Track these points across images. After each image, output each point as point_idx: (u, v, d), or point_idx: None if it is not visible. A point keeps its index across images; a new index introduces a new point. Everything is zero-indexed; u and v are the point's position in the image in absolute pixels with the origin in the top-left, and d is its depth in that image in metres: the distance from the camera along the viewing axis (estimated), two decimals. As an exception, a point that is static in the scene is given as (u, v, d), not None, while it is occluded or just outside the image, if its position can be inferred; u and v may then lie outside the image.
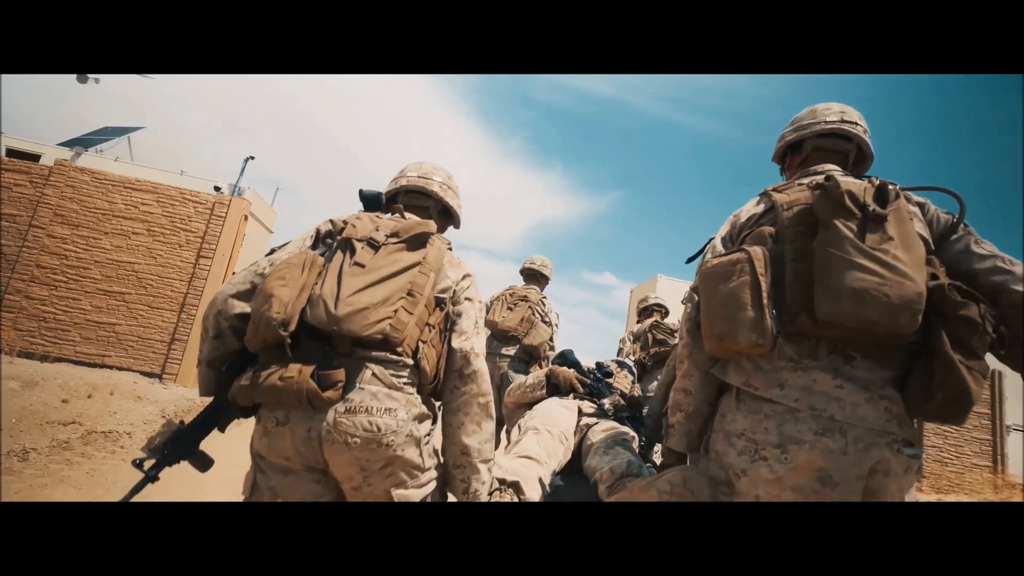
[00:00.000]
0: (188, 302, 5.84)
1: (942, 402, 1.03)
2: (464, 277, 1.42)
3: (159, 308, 5.78)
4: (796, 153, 1.46)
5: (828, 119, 1.40)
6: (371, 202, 1.51)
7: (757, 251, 1.18)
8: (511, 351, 3.52)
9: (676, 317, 3.18)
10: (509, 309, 3.56)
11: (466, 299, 1.40)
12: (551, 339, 3.53)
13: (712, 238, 1.43)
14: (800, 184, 1.30)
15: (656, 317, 3.94)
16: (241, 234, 6.14)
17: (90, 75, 14.39)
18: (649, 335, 3.67)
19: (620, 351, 4.05)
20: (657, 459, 2.05)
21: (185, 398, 5.21)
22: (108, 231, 5.77)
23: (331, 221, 1.41)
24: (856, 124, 1.38)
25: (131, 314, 5.70)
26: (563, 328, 2.88)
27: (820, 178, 1.26)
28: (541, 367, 3.37)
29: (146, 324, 5.72)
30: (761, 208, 1.33)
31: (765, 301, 1.13)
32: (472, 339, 1.37)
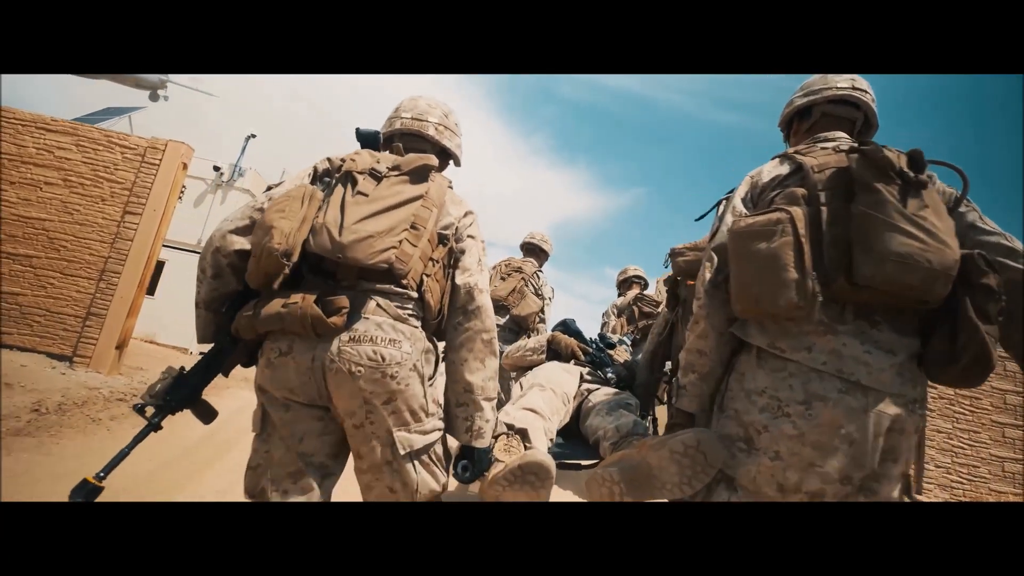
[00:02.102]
0: (109, 268, 4.69)
1: (967, 365, 1.07)
2: (466, 214, 1.40)
3: (74, 276, 4.66)
4: (804, 119, 1.47)
5: (840, 85, 1.40)
6: (368, 142, 1.49)
7: (798, 211, 1.15)
8: (501, 321, 3.34)
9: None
10: (502, 279, 3.49)
11: (469, 236, 1.38)
12: (542, 311, 3.43)
13: (724, 199, 1.42)
14: (823, 148, 1.30)
15: (637, 289, 3.81)
16: (178, 185, 4.96)
17: (160, 93, 14.34)
18: (635, 308, 3.56)
19: (604, 324, 3.89)
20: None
21: (86, 386, 4.04)
22: (14, 180, 4.68)
23: (328, 159, 1.38)
24: (866, 92, 1.39)
25: (39, 283, 4.59)
26: (585, 325, 2.93)
27: (835, 144, 1.30)
28: (528, 337, 3.10)
29: (57, 295, 4.60)
30: (786, 169, 1.30)
31: (808, 263, 1.11)
32: (476, 275, 1.34)
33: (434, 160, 1.35)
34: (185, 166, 5.00)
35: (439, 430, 1.28)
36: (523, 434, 1.57)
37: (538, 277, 3.58)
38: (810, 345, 1.14)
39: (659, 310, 3.54)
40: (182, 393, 1.25)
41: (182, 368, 1.29)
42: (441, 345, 1.38)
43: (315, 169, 1.37)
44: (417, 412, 1.21)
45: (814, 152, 1.28)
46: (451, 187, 1.45)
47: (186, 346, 11.55)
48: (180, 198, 5.07)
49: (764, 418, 1.15)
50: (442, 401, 1.34)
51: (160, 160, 4.88)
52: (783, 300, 1.09)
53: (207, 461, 3.49)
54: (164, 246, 12.09)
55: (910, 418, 1.10)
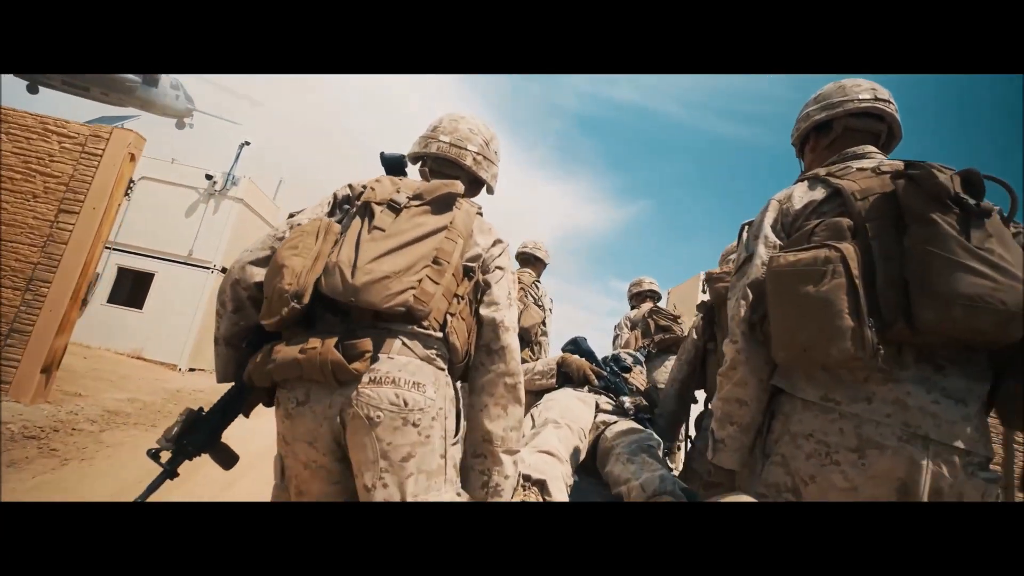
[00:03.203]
0: (38, 276, 3.97)
1: None
2: (495, 243, 1.30)
3: (-4, 285, 3.94)
4: (823, 134, 1.37)
5: (861, 96, 1.30)
6: (393, 167, 1.39)
7: (849, 248, 1.04)
8: None
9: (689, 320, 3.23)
10: None
11: (497, 268, 1.29)
12: (543, 323, 3.30)
13: (748, 223, 1.33)
14: (861, 169, 1.21)
15: (650, 303, 3.78)
16: (124, 179, 4.25)
17: (186, 121, 14.32)
18: (650, 321, 3.47)
19: (617, 338, 3.79)
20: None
21: (-10, 421, 3.28)
22: (-69, 175, 4.00)
23: (349, 186, 1.31)
24: (889, 102, 1.31)
25: (-46, 294, 3.88)
26: (593, 336, 2.68)
27: (874, 164, 1.21)
28: (533, 351, 3.16)
29: (-25, 308, 3.88)
30: (819, 194, 1.21)
31: (863, 308, 1.00)
32: (503, 310, 1.24)
33: (460, 187, 1.24)
34: (133, 157, 4.28)
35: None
36: (541, 486, 1.45)
37: (537, 287, 3.39)
38: (870, 395, 1.03)
39: (677, 326, 3.54)
40: (200, 437, 1.19)
41: (200, 409, 1.23)
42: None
43: (335, 197, 1.29)
44: (435, 474, 1.11)
45: (851, 175, 1.18)
46: (480, 214, 1.34)
47: (175, 362, 10.91)
48: (127, 195, 4.37)
49: (811, 466, 1.04)
50: (459, 464, 1.23)
51: (103, 151, 4.18)
52: (836, 351, 0.99)
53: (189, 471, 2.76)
54: (153, 257, 11.71)
55: (969, 481, 0.96)
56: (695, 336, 2.02)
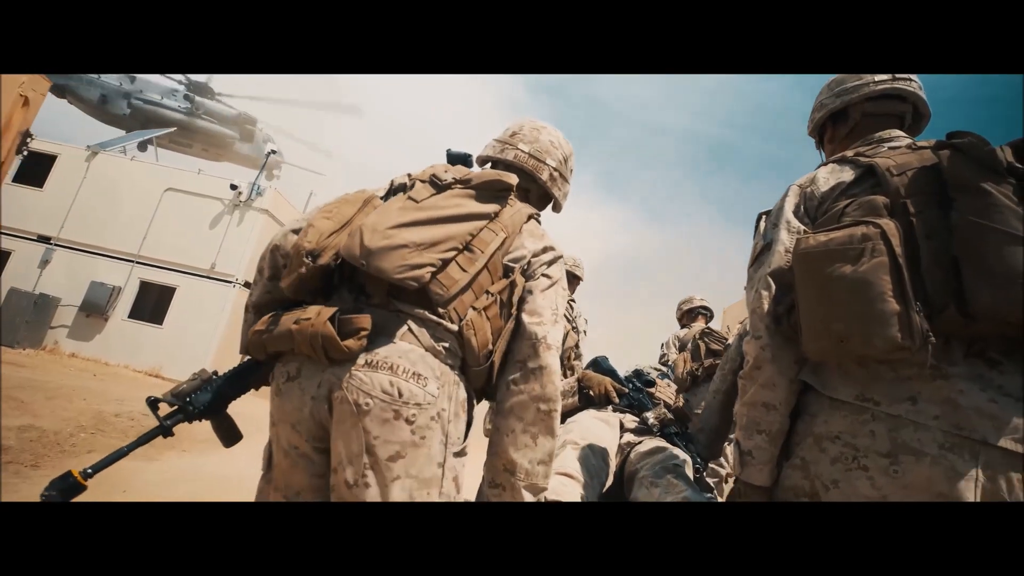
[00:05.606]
0: None
1: None
2: (545, 250, 1.18)
3: None
4: (840, 122, 1.30)
5: (877, 78, 1.23)
6: (458, 164, 1.32)
7: (890, 225, 0.93)
8: None
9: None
10: None
11: (544, 276, 1.16)
12: (577, 346, 3.08)
13: (766, 213, 1.23)
14: (894, 147, 1.12)
15: (702, 322, 3.64)
16: (11, 130, 3.22)
17: (275, 172, 14.86)
18: (701, 343, 3.27)
19: (663, 357, 3.66)
20: (711, 480, 2.11)
21: None
22: None
23: (408, 175, 1.28)
24: (910, 80, 1.23)
25: None
26: (633, 360, 2.60)
27: (903, 142, 1.14)
28: (565, 375, 2.79)
29: None
30: (849, 175, 1.10)
31: (910, 290, 0.89)
32: (547, 325, 1.11)
33: (513, 178, 1.15)
34: (27, 101, 3.26)
35: None
36: None
37: (572, 307, 3.21)
38: (914, 395, 0.91)
39: (727, 348, 3.16)
40: (204, 398, 1.13)
41: (214, 372, 1.17)
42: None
43: (391, 183, 1.27)
44: (429, 484, 0.99)
45: (883, 152, 1.09)
46: (537, 220, 1.25)
47: (193, 382, 10.24)
48: (23, 152, 3.35)
49: (835, 470, 0.95)
50: (463, 483, 1.09)
51: (-9, 95, 3.17)
52: (881, 339, 0.87)
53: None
54: (175, 271, 11.15)
55: None
56: (738, 344, 1.78)
